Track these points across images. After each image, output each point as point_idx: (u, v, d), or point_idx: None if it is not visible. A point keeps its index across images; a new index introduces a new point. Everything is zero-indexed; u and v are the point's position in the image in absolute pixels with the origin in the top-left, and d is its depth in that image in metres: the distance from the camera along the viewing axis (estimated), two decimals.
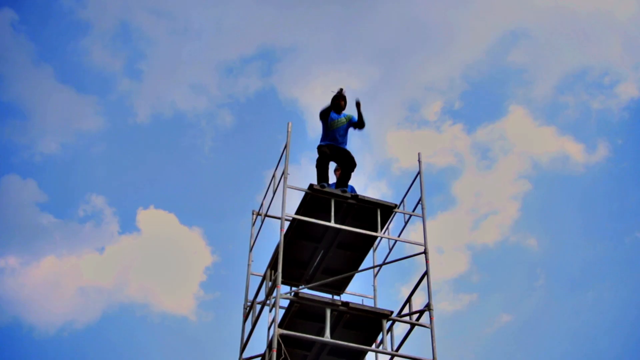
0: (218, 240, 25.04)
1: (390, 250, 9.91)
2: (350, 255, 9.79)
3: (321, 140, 10.03)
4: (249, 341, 9.17)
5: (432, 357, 8.38)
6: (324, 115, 10.02)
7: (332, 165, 10.23)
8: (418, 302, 8.99)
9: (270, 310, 8.42)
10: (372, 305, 9.83)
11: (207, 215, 25.73)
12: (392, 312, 8.84)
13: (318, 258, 9.77)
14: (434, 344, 8.48)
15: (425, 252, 9.14)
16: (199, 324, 23.27)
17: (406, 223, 9.76)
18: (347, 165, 9.91)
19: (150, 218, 25.55)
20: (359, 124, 10.01)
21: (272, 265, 8.90)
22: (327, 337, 8.23)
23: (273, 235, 9.39)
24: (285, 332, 8.04)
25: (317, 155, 9.89)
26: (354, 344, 8.54)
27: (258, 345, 8.91)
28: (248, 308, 9.49)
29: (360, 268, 9.97)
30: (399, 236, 9.78)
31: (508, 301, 22.97)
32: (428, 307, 8.74)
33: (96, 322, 22.75)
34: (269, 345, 8.11)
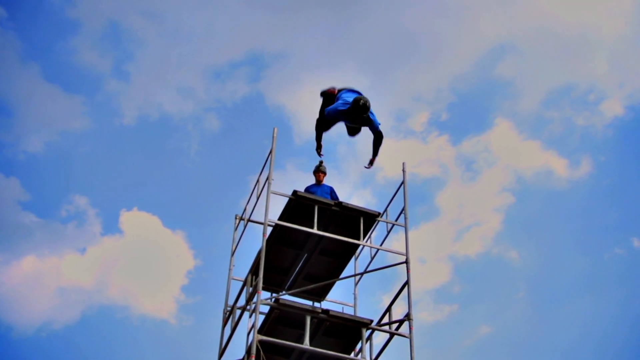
0: (200, 244, 24.94)
1: (372, 258, 9.93)
2: (332, 262, 9.79)
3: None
4: (227, 346, 9.14)
5: None
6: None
7: (313, 164, 10.35)
8: (398, 312, 9.00)
9: (250, 316, 8.40)
10: (352, 314, 9.83)
11: (191, 218, 25.63)
12: (371, 321, 8.84)
13: (300, 264, 9.77)
14: (412, 354, 8.49)
15: (406, 262, 9.15)
16: (179, 327, 23.15)
17: (389, 232, 9.78)
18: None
19: (134, 220, 25.40)
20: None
21: (254, 270, 8.87)
22: (306, 344, 8.22)
23: (255, 241, 9.37)
24: (264, 338, 8.01)
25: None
26: (332, 352, 8.52)
27: (237, 350, 8.89)
28: (228, 313, 9.46)
29: (342, 276, 9.98)
30: (381, 245, 9.79)
31: (488, 313, 23.04)
32: (408, 316, 8.75)
33: (75, 323, 22.56)
34: (248, 351, 8.08)
